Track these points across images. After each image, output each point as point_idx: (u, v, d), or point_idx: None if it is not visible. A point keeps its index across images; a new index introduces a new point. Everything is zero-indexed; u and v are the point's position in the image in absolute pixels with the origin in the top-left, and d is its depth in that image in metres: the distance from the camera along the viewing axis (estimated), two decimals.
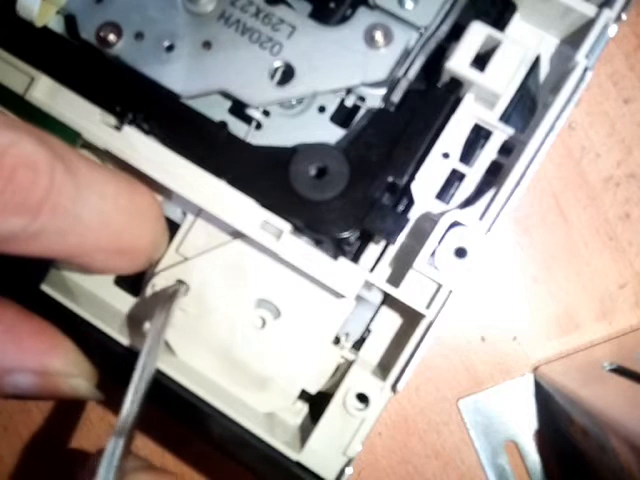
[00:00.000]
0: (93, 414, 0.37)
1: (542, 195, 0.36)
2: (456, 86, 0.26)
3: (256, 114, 0.27)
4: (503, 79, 0.25)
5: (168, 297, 0.25)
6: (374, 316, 0.28)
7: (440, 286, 0.25)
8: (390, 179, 0.25)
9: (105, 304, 0.28)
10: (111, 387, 0.25)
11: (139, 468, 0.23)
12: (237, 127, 0.27)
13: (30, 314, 0.24)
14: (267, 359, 0.27)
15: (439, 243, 0.24)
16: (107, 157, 0.26)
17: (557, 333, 0.36)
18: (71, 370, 0.24)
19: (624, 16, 0.26)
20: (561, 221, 0.36)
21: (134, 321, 0.28)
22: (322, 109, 0.27)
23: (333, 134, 0.27)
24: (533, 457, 0.35)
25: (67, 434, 0.37)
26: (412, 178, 0.26)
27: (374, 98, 0.27)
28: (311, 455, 0.25)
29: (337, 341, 0.27)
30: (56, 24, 0.28)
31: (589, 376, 0.33)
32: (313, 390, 0.27)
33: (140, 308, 0.28)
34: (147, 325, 0.27)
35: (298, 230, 0.25)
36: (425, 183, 0.26)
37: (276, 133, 0.27)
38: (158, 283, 0.27)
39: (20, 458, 0.37)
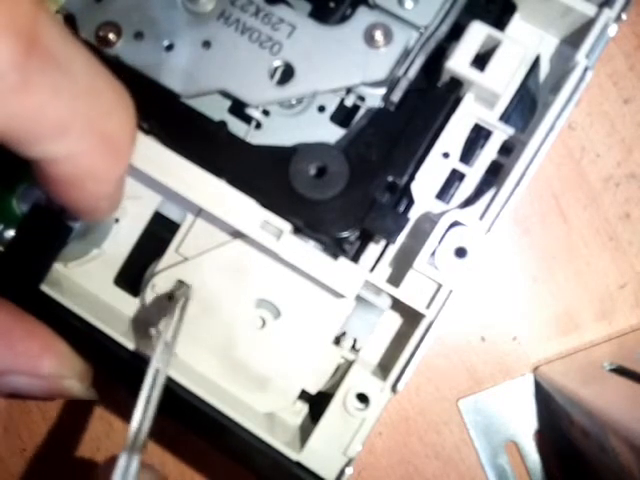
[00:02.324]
0: (93, 414, 0.37)
1: (542, 195, 0.36)
2: (456, 86, 0.26)
3: (256, 114, 0.27)
4: (503, 79, 0.25)
5: (178, 305, 0.25)
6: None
7: (440, 286, 0.25)
8: (390, 179, 0.25)
9: (105, 304, 0.28)
10: (111, 387, 0.25)
11: None
12: (237, 127, 0.27)
13: (23, 314, 0.24)
14: (267, 359, 0.27)
15: (439, 243, 0.24)
16: None
17: (557, 333, 0.36)
18: (64, 372, 0.24)
19: (624, 16, 0.26)
20: (561, 221, 0.36)
21: (134, 321, 0.28)
22: (322, 109, 0.27)
23: (333, 134, 0.27)
24: (533, 457, 0.35)
25: (68, 434, 0.37)
26: (412, 178, 0.26)
27: (374, 98, 0.27)
28: (311, 455, 0.25)
29: (338, 341, 0.27)
30: None
31: (589, 376, 0.33)
32: (313, 390, 0.27)
33: (141, 308, 0.28)
34: (152, 330, 0.27)
35: (298, 230, 0.25)
36: (425, 183, 0.26)
37: (276, 133, 0.27)
38: (158, 283, 0.27)
39: (20, 459, 0.37)
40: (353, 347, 0.28)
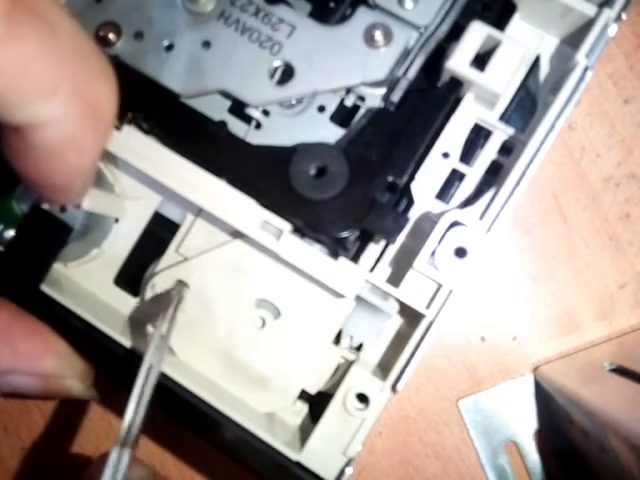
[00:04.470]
0: (93, 414, 0.37)
1: (542, 195, 0.36)
2: (456, 86, 0.26)
3: (256, 114, 0.27)
4: (503, 79, 0.25)
5: (172, 303, 0.25)
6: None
7: (440, 286, 0.25)
8: (390, 179, 0.25)
9: (105, 304, 0.28)
10: (111, 387, 0.25)
11: (145, 478, 0.23)
12: (237, 127, 0.27)
13: (24, 314, 0.24)
14: (267, 359, 0.27)
15: (439, 243, 0.24)
16: (106, 157, 0.26)
17: (557, 333, 0.36)
18: (64, 372, 0.24)
19: (624, 16, 0.26)
20: (561, 221, 0.36)
21: (134, 321, 0.28)
22: (322, 109, 0.27)
23: (333, 134, 0.27)
24: (533, 457, 0.35)
25: (67, 434, 0.37)
26: (412, 178, 0.26)
27: (374, 98, 0.27)
28: (311, 455, 0.25)
29: (338, 341, 0.27)
30: None
31: (589, 376, 0.33)
32: (313, 390, 0.27)
33: (140, 308, 0.28)
34: (149, 328, 0.27)
35: (298, 230, 0.25)
36: (425, 183, 0.26)
37: (276, 133, 0.27)
38: (158, 283, 0.27)
39: (20, 458, 0.37)
40: (357, 348, 0.28)
